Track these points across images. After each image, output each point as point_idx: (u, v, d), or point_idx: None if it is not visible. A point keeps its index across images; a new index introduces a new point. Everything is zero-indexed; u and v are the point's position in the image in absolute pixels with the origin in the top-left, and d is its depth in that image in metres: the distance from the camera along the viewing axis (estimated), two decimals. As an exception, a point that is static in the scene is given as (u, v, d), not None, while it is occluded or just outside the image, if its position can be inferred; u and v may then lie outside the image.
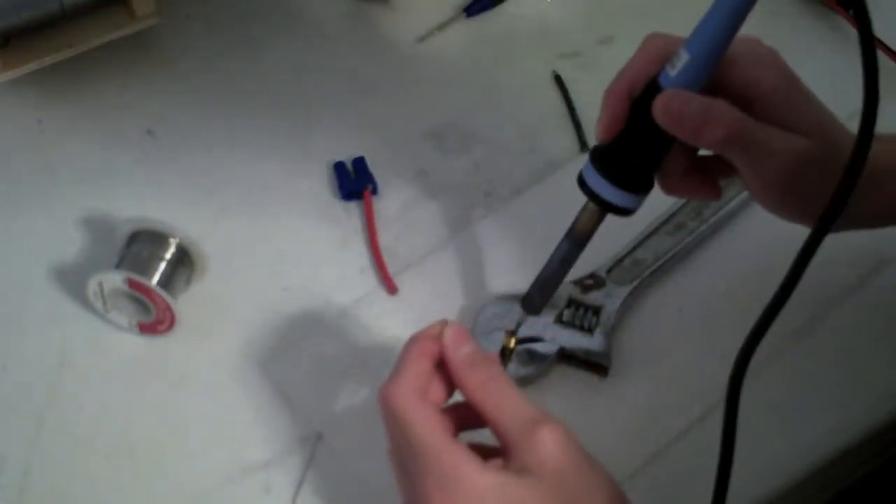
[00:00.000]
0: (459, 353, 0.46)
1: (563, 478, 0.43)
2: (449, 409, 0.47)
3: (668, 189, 0.51)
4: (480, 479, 0.42)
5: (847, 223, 0.51)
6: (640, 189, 0.49)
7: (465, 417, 0.47)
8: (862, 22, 0.39)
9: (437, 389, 0.47)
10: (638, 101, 0.47)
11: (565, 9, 0.79)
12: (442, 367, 0.47)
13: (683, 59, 0.45)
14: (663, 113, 0.45)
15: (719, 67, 0.46)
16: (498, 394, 0.45)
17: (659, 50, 0.47)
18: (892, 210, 0.51)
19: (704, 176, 0.50)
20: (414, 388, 0.45)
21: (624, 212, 0.49)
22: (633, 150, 0.48)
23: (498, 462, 0.44)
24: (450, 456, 0.43)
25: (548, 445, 0.43)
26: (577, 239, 0.51)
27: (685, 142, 0.46)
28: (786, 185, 0.47)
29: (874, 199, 0.50)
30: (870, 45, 0.39)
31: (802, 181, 0.47)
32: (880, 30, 0.73)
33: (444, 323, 0.47)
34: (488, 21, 0.78)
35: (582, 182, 0.49)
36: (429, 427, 0.44)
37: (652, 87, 0.46)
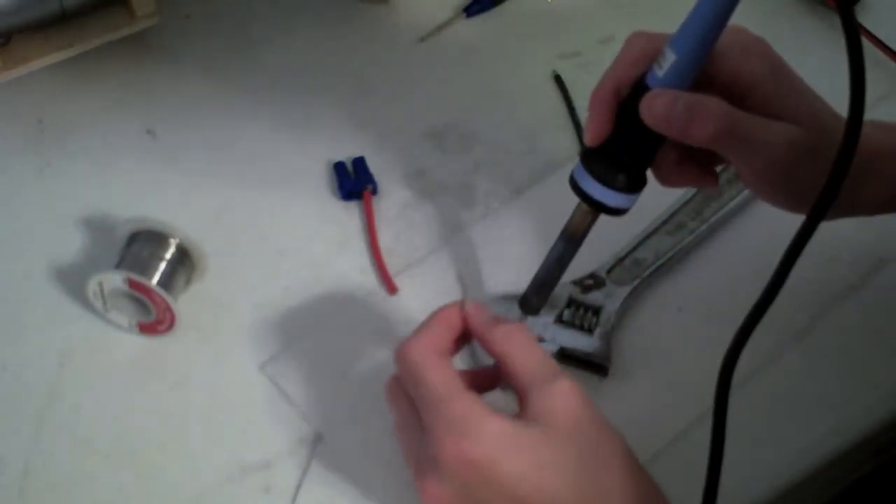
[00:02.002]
0: (482, 315, 0.49)
1: (576, 430, 0.44)
2: (462, 372, 0.48)
3: (663, 180, 0.50)
4: (490, 423, 0.43)
5: (846, 210, 0.51)
6: (632, 188, 0.48)
7: (477, 379, 0.49)
8: (843, 8, 0.39)
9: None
10: (626, 102, 0.47)
11: (565, 9, 0.79)
12: (456, 337, 0.49)
13: (670, 59, 0.45)
14: (650, 113, 0.45)
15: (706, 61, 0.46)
16: (522, 344, 0.47)
17: (643, 49, 0.47)
18: (890, 196, 0.51)
19: (698, 164, 0.50)
20: (431, 344, 0.47)
21: (616, 212, 0.49)
22: (623, 151, 0.48)
23: (510, 413, 0.45)
24: (460, 401, 0.44)
25: (563, 397, 0.44)
26: (571, 239, 0.51)
27: (676, 140, 0.46)
28: (780, 175, 0.47)
29: (872, 184, 0.50)
30: (853, 29, 0.39)
31: (797, 170, 0.46)
32: (881, 30, 0.73)
33: (464, 300, 0.50)
34: (488, 21, 0.78)
35: (574, 183, 0.49)
36: (442, 376, 0.45)
37: (639, 88, 0.46)
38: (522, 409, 0.45)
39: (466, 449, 0.43)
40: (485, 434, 0.43)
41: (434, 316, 0.49)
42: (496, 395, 0.50)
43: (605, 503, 0.44)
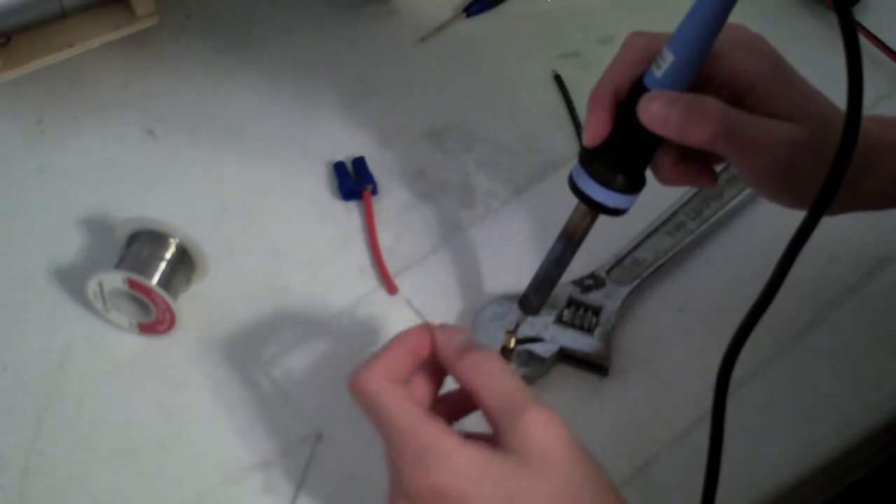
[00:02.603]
0: (452, 341, 0.45)
1: (550, 461, 0.41)
2: (438, 399, 0.47)
3: (662, 179, 0.50)
4: (460, 453, 0.41)
5: (847, 206, 0.50)
6: (631, 189, 0.48)
7: (454, 405, 0.47)
8: (840, 7, 0.39)
9: (422, 385, 0.46)
10: (624, 103, 0.47)
11: (565, 9, 0.79)
12: (429, 364, 0.46)
13: (668, 59, 0.45)
14: (648, 115, 0.45)
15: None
16: (490, 374, 0.44)
17: (641, 50, 0.47)
18: (891, 190, 0.51)
19: (698, 163, 0.50)
20: (383, 373, 0.44)
21: (615, 212, 0.49)
22: (621, 151, 0.47)
23: (482, 443, 0.43)
24: (425, 430, 0.41)
25: (536, 427, 0.42)
26: (570, 239, 0.51)
27: (674, 141, 0.46)
28: (780, 174, 0.47)
29: (873, 179, 0.49)
30: (850, 28, 0.39)
31: (798, 169, 0.46)
32: (881, 30, 0.73)
33: (426, 325, 0.47)
34: (488, 21, 0.78)
35: (572, 184, 0.49)
36: (400, 404, 0.42)
37: (637, 88, 0.46)
38: (497, 440, 0.42)
39: (435, 480, 0.40)
40: (453, 464, 0.41)
41: (392, 341, 0.46)
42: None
43: None
